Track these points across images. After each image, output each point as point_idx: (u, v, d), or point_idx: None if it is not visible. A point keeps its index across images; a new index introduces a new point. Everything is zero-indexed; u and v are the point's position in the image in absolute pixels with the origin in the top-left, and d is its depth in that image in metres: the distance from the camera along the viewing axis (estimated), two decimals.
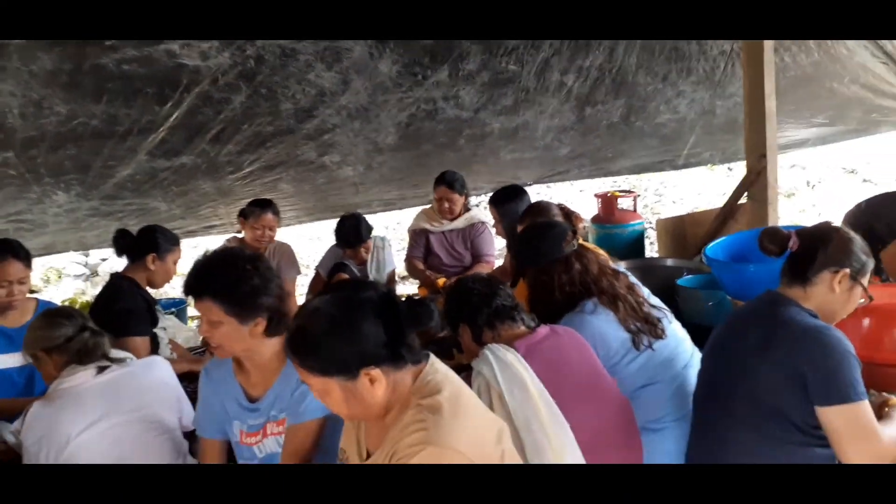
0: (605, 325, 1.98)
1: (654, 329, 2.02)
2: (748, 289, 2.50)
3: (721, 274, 2.70)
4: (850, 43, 4.81)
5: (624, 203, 4.38)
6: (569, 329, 1.89)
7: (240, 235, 3.81)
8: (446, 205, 4.09)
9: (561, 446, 1.55)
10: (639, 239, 4.24)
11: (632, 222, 4.25)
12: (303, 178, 4.50)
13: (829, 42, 4.76)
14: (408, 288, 5.58)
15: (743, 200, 3.73)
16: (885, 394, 1.93)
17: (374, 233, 4.02)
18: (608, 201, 4.27)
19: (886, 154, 7.79)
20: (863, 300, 1.83)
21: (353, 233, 3.64)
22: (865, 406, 1.62)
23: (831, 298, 1.78)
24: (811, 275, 1.78)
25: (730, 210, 3.77)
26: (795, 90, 5.16)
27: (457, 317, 1.90)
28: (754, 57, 3.40)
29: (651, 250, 5.15)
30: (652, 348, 2.00)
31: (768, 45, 3.42)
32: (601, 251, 2.37)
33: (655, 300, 2.17)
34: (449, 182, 4.10)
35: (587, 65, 4.37)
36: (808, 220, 6.86)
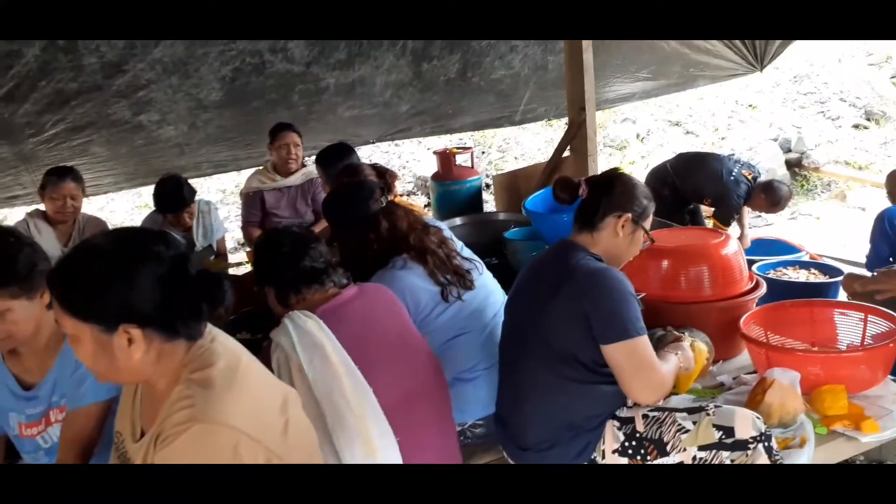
0: (414, 279, 1.97)
1: (463, 280, 2.03)
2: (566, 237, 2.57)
3: (540, 225, 2.77)
4: None
5: (461, 159, 4.39)
6: (380, 286, 1.85)
7: (42, 208, 3.42)
8: (293, 151, 3.84)
9: (362, 414, 1.51)
10: (476, 194, 4.28)
11: (469, 178, 4.28)
12: (118, 140, 4.10)
13: None
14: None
15: (568, 153, 3.85)
16: (674, 331, 2.05)
17: (203, 197, 3.76)
18: (445, 158, 4.27)
19: (705, 107, 8.41)
20: (646, 243, 1.92)
21: (172, 196, 3.38)
22: (644, 341, 1.71)
23: (616, 242, 1.86)
24: (597, 220, 1.85)
25: (555, 164, 3.89)
26: (621, 46, 5.37)
27: (262, 278, 1.79)
28: None
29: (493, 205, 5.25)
30: (461, 299, 2.01)
31: None
32: (416, 206, 2.38)
33: (468, 252, 2.18)
34: (293, 126, 3.88)
35: None
36: (638, 171, 7.31)
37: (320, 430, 1.46)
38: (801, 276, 4.53)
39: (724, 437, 1.65)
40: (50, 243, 3.24)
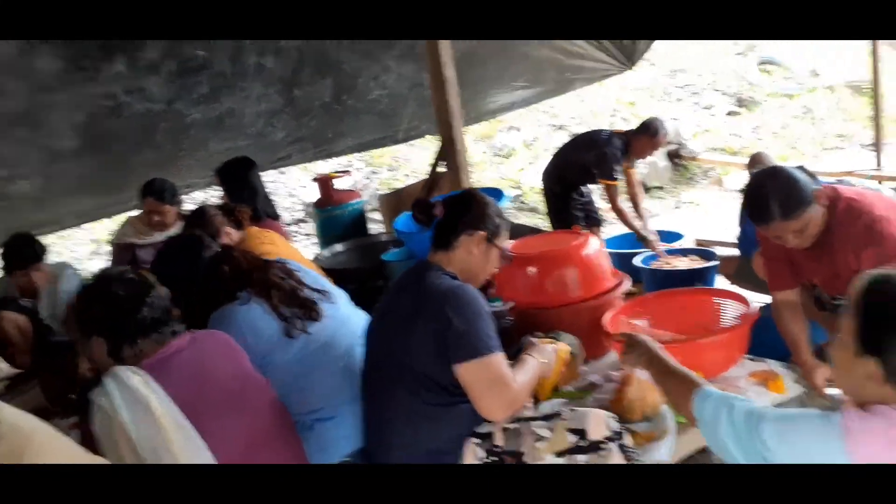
0: (255, 315, 1.91)
1: (309, 312, 1.97)
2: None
3: (411, 245, 2.75)
4: None
5: (342, 184, 4.33)
6: (214, 332, 1.76)
7: None
8: (157, 218, 3.59)
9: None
10: (359, 218, 4.23)
11: (350, 202, 4.22)
12: None
13: None
14: None
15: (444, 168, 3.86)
16: (532, 338, 2.05)
17: (71, 250, 3.52)
18: (324, 183, 4.20)
19: (587, 108, 8.68)
20: (504, 261, 1.93)
21: (20, 251, 3.14)
22: (496, 358, 1.69)
23: (471, 260, 1.87)
24: (452, 239, 1.85)
25: (432, 180, 3.89)
26: (496, 58, 5.46)
27: (89, 328, 1.64)
28: None
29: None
30: (307, 332, 1.94)
31: None
32: (263, 240, 2.44)
33: (321, 284, 2.12)
34: (157, 192, 3.59)
35: (284, 45, 4.22)
36: (527, 177, 7.45)
37: None
38: (683, 263, 4.71)
39: (579, 440, 1.65)
40: None
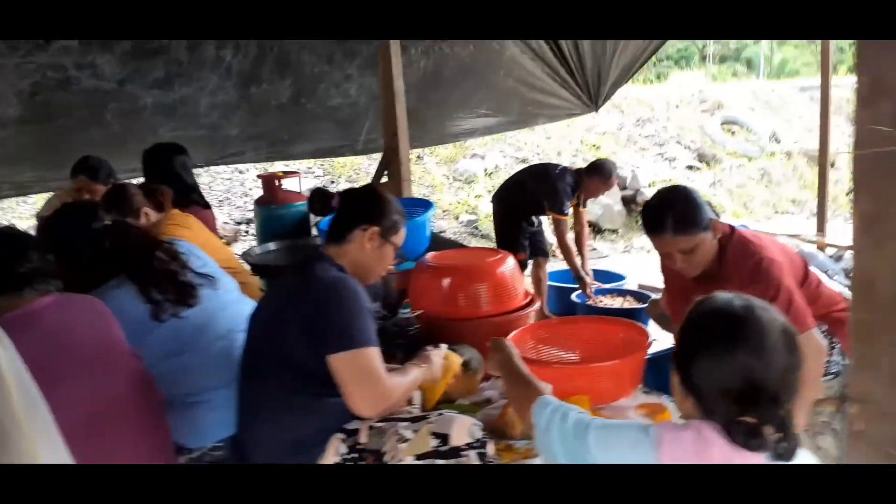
0: (122, 299, 1.88)
1: (182, 297, 1.94)
2: None
3: None
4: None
5: (290, 184, 4.32)
6: (90, 298, 1.73)
7: None
8: (87, 196, 3.55)
9: (31, 433, 1.38)
10: (303, 219, 4.20)
11: (295, 203, 4.20)
12: None
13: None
14: None
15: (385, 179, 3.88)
16: (445, 346, 2.06)
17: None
18: (269, 182, 4.18)
19: (552, 145, 8.83)
20: (397, 261, 1.93)
21: None
22: (370, 352, 1.68)
23: (363, 255, 1.86)
24: (346, 232, 1.84)
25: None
26: (459, 82, 5.53)
27: None
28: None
29: None
30: (178, 317, 1.92)
31: None
32: (180, 223, 2.39)
33: (211, 270, 2.10)
34: (91, 170, 3.46)
35: (244, 41, 4.23)
36: (485, 204, 7.53)
37: None
38: (617, 302, 4.80)
39: (440, 444, 1.65)
40: None
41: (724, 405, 1.12)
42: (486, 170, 7.92)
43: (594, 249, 6.63)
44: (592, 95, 6.48)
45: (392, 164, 3.67)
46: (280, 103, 4.76)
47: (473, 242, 6.49)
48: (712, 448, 1.11)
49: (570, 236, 4.83)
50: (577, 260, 4.79)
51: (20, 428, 1.37)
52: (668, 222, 1.93)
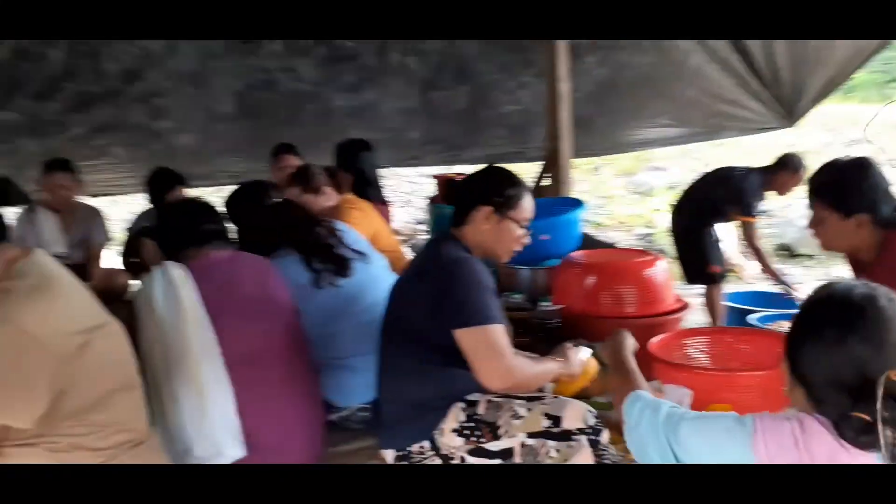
0: (290, 266, 2.11)
1: (340, 269, 2.13)
2: None
3: None
4: (685, 45, 5.06)
5: None
6: (260, 258, 1.98)
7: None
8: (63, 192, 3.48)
9: (198, 359, 1.64)
10: None
11: None
12: (136, 144, 4.44)
13: (664, 44, 5.01)
14: None
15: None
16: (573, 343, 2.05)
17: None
18: (442, 182, 4.39)
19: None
20: (521, 231, 1.92)
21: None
22: (494, 329, 1.72)
23: (483, 234, 1.87)
24: (464, 214, 1.89)
25: (535, 190, 3.96)
26: (636, 90, 5.41)
27: (147, 231, 1.96)
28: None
29: None
30: (335, 285, 2.11)
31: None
32: (355, 206, 2.65)
33: (362, 246, 2.29)
34: (294, 148, 3.84)
35: (427, 48, 4.50)
36: (663, 218, 7.23)
37: (161, 368, 1.59)
38: None
39: (552, 425, 1.66)
40: (51, 229, 3.50)
41: (835, 396, 1.04)
42: (668, 183, 7.63)
43: (786, 274, 6.11)
44: (789, 109, 6.02)
45: (553, 167, 3.71)
46: (457, 109, 4.99)
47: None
48: (814, 439, 1.04)
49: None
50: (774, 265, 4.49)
51: (191, 351, 1.64)
52: (810, 185, 1.92)
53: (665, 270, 2.51)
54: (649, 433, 1.22)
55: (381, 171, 4.38)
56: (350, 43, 4.28)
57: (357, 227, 2.57)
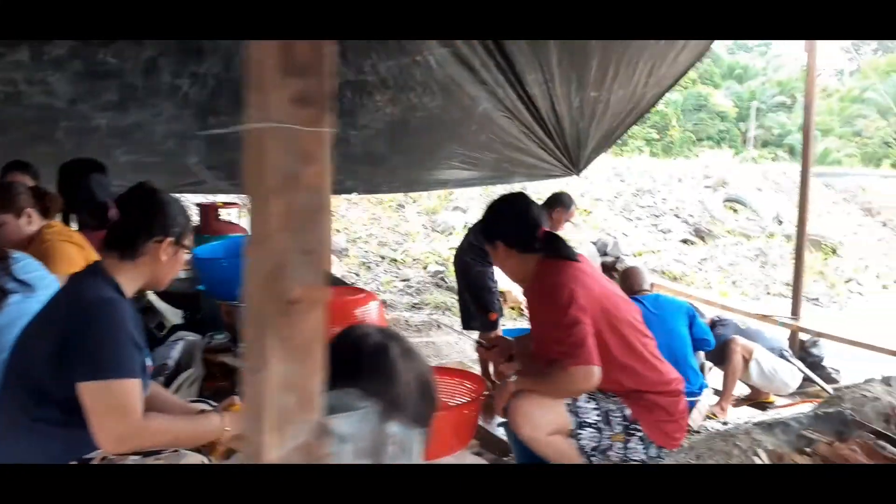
0: None
1: None
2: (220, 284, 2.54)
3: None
4: (473, 91, 5.26)
5: (229, 214, 4.34)
6: None
7: None
8: None
9: None
10: None
11: (230, 234, 4.21)
12: None
13: (452, 88, 5.18)
14: None
15: None
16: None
17: None
18: (205, 211, 4.21)
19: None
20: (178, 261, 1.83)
21: None
22: (123, 385, 1.57)
23: (157, 266, 1.77)
24: (135, 245, 1.75)
25: None
26: (428, 132, 5.56)
27: None
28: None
29: None
30: None
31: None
32: (65, 236, 2.47)
33: (33, 278, 2.08)
34: (27, 166, 3.62)
35: (202, 71, 4.32)
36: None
37: None
38: None
39: None
40: None
41: None
42: (466, 223, 7.91)
43: None
44: (573, 159, 6.45)
45: None
46: (238, 135, 4.82)
47: (436, 293, 6.42)
48: None
49: None
50: None
51: None
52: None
53: (377, 308, 2.50)
54: None
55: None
56: (113, 59, 4.01)
57: (59, 260, 2.35)
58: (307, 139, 0.87)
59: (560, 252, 2.09)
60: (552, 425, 1.99)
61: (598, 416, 2.01)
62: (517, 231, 2.11)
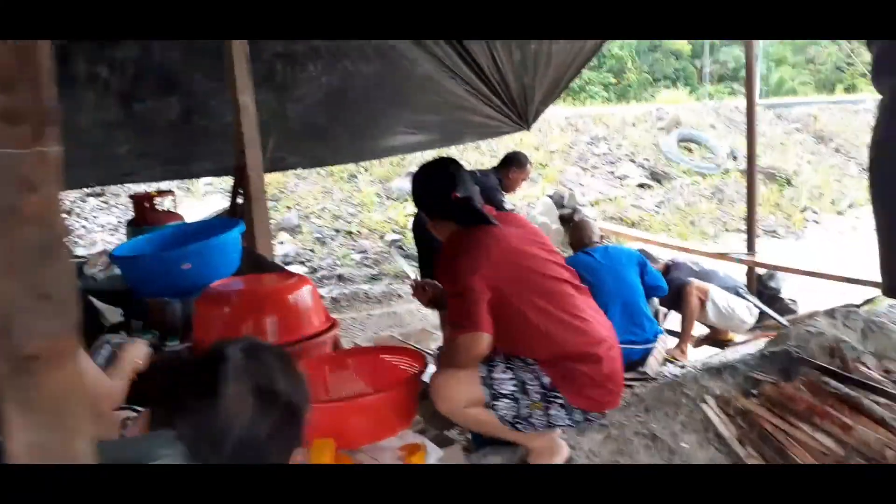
0: None
1: None
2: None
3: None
4: (411, 54, 5.12)
5: (166, 203, 4.19)
6: None
7: None
8: None
9: None
10: None
11: (169, 223, 4.06)
12: None
13: (388, 52, 5.04)
14: None
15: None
16: None
17: None
18: (139, 202, 4.05)
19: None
20: None
21: None
22: None
23: None
24: None
25: (232, 209, 3.77)
26: (369, 99, 5.41)
27: None
28: (232, 49, 3.37)
29: None
30: None
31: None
32: None
33: None
34: None
35: (120, 57, 4.12)
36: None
37: None
38: None
39: None
40: None
41: None
42: None
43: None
44: (521, 113, 6.36)
45: (245, 183, 3.54)
46: (169, 120, 4.64)
47: (402, 262, 6.34)
48: None
49: None
50: None
51: None
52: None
53: (309, 292, 2.42)
54: None
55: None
56: None
57: None
58: (25, 163, 0.73)
59: (471, 218, 2.03)
60: (466, 399, 1.96)
61: (514, 386, 1.97)
62: (428, 199, 2.07)
